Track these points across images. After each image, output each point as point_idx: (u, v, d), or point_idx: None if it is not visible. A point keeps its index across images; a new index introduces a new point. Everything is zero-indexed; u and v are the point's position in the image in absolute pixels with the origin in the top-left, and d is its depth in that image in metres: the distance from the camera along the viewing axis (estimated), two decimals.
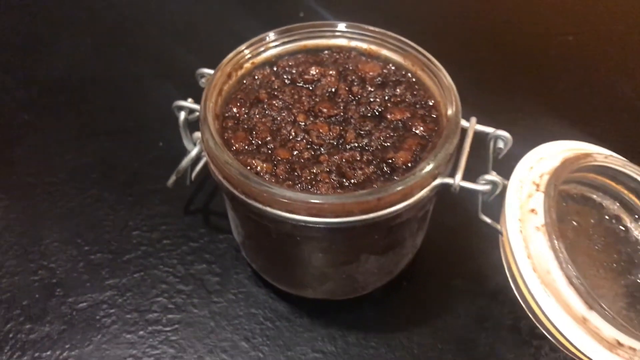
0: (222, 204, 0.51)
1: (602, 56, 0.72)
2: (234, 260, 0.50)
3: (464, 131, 0.41)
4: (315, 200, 0.35)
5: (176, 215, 0.53)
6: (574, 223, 0.45)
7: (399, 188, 0.35)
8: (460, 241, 0.51)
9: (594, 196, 0.46)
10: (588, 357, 0.37)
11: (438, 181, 0.37)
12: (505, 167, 0.41)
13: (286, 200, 0.35)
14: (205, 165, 0.47)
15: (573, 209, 0.45)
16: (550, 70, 0.70)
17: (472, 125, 0.41)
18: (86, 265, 0.50)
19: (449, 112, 0.39)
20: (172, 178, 0.47)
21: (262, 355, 0.44)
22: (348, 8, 0.66)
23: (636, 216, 0.45)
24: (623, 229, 0.45)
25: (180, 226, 0.52)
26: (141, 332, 0.46)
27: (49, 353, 0.45)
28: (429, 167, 0.36)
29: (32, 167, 0.58)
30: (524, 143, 0.44)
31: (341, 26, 0.46)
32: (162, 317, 0.46)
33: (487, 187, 0.38)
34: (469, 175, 0.38)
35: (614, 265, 0.44)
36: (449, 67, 0.42)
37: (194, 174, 0.49)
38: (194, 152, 0.44)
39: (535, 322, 0.39)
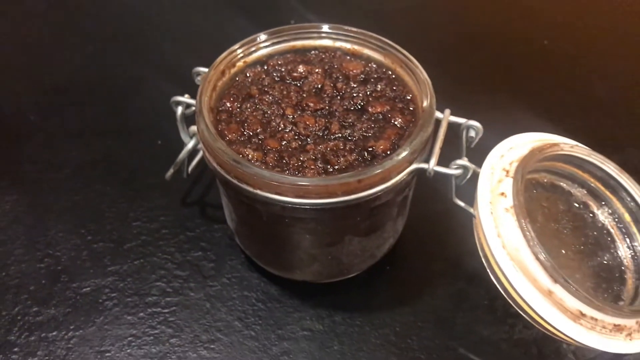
0: (217, 197, 0.54)
1: (576, 59, 0.76)
2: (228, 247, 0.53)
3: (438, 122, 0.44)
4: (301, 183, 0.38)
5: (174, 207, 0.56)
6: (544, 209, 0.48)
7: (378, 171, 0.38)
8: (439, 229, 0.54)
9: (563, 184, 0.49)
10: (554, 327, 0.40)
11: (414, 166, 0.41)
12: (481, 156, 0.45)
13: (275, 183, 0.38)
14: (201, 160, 0.51)
15: (543, 196, 0.48)
16: (526, 71, 0.74)
17: (446, 116, 0.44)
18: (89, 253, 0.53)
19: (425, 104, 0.43)
20: (170, 171, 0.50)
21: (254, 334, 0.47)
22: (336, 15, 0.69)
23: (602, 202, 0.49)
24: (590, 214, 0.49)
25: (177, 217, 0.55)
26: (141, 314, 0.49)
27: (54, 333, 0.47)
28: (405, 153, 0.39)
29: (39, 164, 0.61)
30: (499, 136, 0.47)
31: (326, 28, 0.49)
32: (160, 300, 0.49)
33: (459, 171, 0.41)
34: (446, 164, 0.42)
35: (582, 247, 0.47)
36: (432, 69, 0.46)
37: (190, 168, 0.52)
38: (190, 144, 0.47)
39: (505, 296, 0.42)
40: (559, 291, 0.39)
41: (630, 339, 0.41)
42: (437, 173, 0.41)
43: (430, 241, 0.54)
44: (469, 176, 0.42)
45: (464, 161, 0.41)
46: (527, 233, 0.40)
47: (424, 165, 0.41)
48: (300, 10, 0.78)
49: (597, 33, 0.80)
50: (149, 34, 0.78)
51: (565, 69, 0.74)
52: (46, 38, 0.78)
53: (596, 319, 0.40)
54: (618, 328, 0.40)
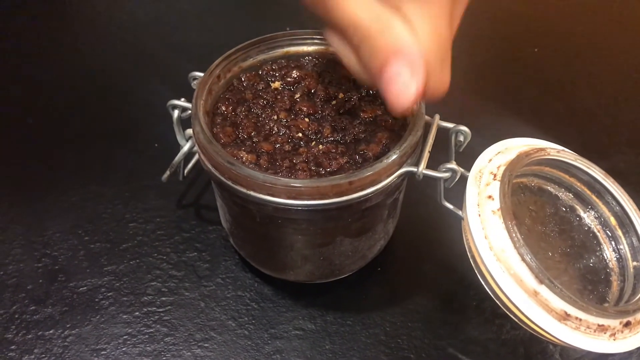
0: (212, 199, 0.55)
1: (565, 67, 0.77)
2: (223, 248, 0.54)
3: (428, 126, 0.45)
4: (293, 184, 0.39)
5: (170, 209, 0.57)
6: (531, 212, 0.49)
7: (368, 173, 0.39)
8: (429, 232, 0.55)
9: (550, 188, 0.50)
10: (539, 327, 0.41)
11: (404, 169, 0.42)
12: (469, 161, 0.46)
13: (268, 184, 0.39)
14: (197, 163, 0.52)
15: (531, 200, 0.50)
16: (516, 78, 0.75)
17: (436, 121, 0.46)
18: (86, 253, 0.53)
19: (414, 107, 0.44)
20: (167, 173, 0.51)
21: (248, 333, 0.48)
22: None
23: (589, 206, 0.49)
24: (577, 218, 0.50)
25: (173, 218, 0.56)
26: (137, 313, 0.49)
27: (51, 332, 0.48)
28: (394, 156, 0.40)
29: (37, 166, 0.61)
30: (488, 141, 0.48)
31: (320, 34, 0.50)
32: (156, 300, 0.50)
33: (447, 175, 0.42)
34: (435, 168, 0.43)
35: (568, 250, 0.48)
36: None
37: (186, 170, 0.53)
38: (186, 146, 0.48)
39: (492, 296, 0.43)
40: (545, 292, 0.40)
41: (614, 339, 0.42)
42: (426, 176, 0.42)
43: (421, 243, 0.55)
44: (457, 179, 0.43)
45: (452, 165, 0.43)
46: (514, 235, 0.41)
47: (413, 169, 0.42)
48: (296, 18, 0.79)
49: (585, 41, 0.82)
50: (147, 40, 0.79)
51: (554, 77, 0.75)
52: (45, 43, 0.79)
53: (580, 319, 0.40)
54: (602, 328, 0.41)
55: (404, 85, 0.31)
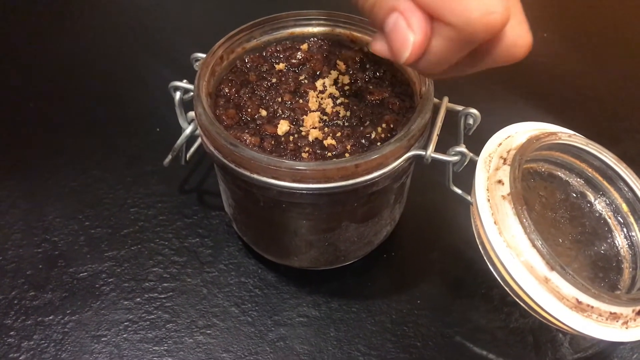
0: (214, 184, 0.54)
1: (574, 51, 0.75)
2: (226, 234, 0.53)
3: (437, 109, 0.44)
4: (298, 167, 0.38)
5: (172, 194, 0.56)
6: (542, 198, 0.48)
7: (375, 156, 0.38)
8: (436, 218, 0.54)
9: (561, 174, 0.49)
10: (550, 315, 0.40)
11: (412, 152, 0.40)
12: (478, 145, 0.45)
13: (272, 167, 0.38)
14: (199, 147, 0.51)
15: (541, 185, 0.48)
16: (526, 63, 0.73)
17: (444, 103, 0.44)
18: (87, 239, 0.53)
19: (423, 89, 0.43)
20: (169, 157, 0.50)
21: (251, 320, 0.47)
22: (336, 5, 0.69)
23: (600, 192, 0.48)
24: (588, 204, 0.49)
25: (175, 204, 0.55)
26: (138, 299, 0.49)
27: (51, 317, 0.47)
28: (402, 139, 0.39)
29: (37, 150, 0.60)
30: (497, 126, 0.47)
31: (326, 15, 0.49)
32: (157, 286, 0.49)
33: (456, 158, 0.41)
34: (443, 152, 0.41)
35: (579, 237, 0.47)
36: None
37: (188, 154, 0.52)
38: (188, 129, 0.46)
39: (502, 283, 0.42)
40: (556, 278, 0.39)
41: (626, 328, 0.41)
42: (434, 160, 0.41)
43: (428, 229, 0.54)
44: (466, 163, 0.42)
45: (461, 148, 0.41)
46: (524, 220, 0.40)
47: (421, 152, 0.41)
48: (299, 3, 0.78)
49: (595, 26, 0.80)
50: (149, 23, 0.78)
51: (563, 62, 0.74)
52: (45, 26, 0.78)
53: (592, 307, 0.40)
54: (614, 316, 0.40)
55: (403, 35, 0.32)
